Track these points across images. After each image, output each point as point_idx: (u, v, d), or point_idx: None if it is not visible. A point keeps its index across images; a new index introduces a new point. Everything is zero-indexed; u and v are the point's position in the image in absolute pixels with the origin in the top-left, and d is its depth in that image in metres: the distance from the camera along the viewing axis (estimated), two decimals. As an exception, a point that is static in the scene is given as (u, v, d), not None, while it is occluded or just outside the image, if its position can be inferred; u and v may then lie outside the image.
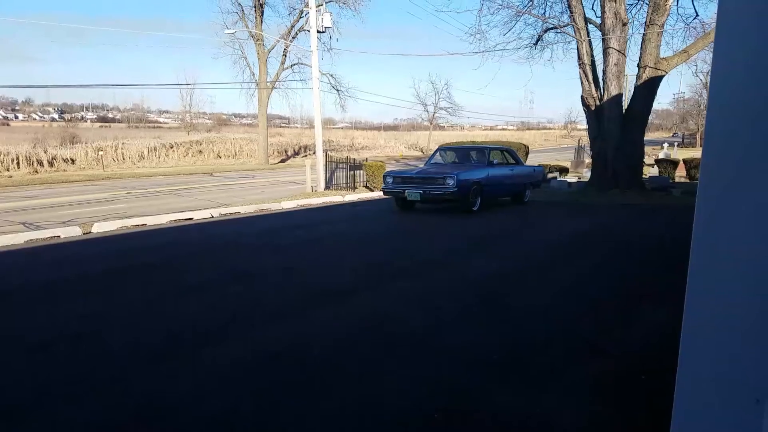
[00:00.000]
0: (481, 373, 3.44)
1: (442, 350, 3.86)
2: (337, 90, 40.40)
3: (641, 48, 16.22)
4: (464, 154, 13.89)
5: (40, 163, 33.32)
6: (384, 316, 4.70)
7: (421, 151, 54.54)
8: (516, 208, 13.02)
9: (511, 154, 14.32)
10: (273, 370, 3.56)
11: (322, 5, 21.41)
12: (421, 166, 13.72)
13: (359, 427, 2.83)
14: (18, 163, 32.31)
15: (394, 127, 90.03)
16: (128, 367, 3.68)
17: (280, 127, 73.22)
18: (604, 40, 16.46)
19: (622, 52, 16.29)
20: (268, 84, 40.43)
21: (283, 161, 44.57)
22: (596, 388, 3.24)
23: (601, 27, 16.54)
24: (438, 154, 14.35)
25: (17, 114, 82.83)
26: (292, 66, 40.91)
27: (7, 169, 31.65)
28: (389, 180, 12.27)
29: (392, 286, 5.73)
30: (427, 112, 59.45)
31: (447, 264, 6.86)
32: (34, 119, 76.41)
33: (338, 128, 74.59)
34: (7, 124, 66.85)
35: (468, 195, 11.63)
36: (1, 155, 32.22)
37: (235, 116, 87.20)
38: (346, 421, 2.89)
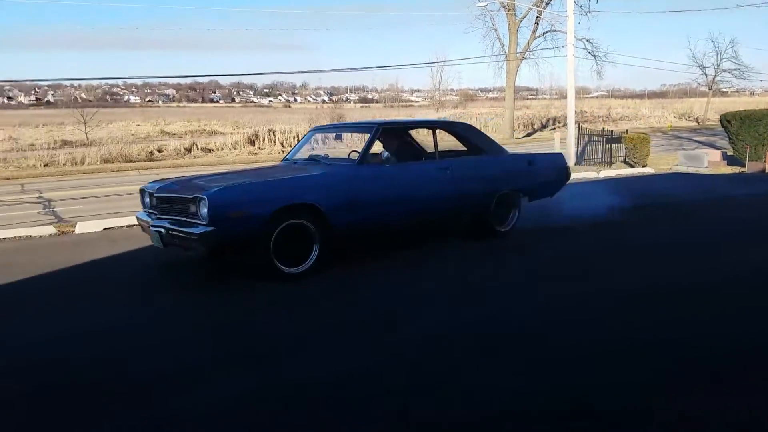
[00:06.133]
0: None
1: None
2: (594, 56, 36.72)
3: None
4: (339, 137, 8.34)
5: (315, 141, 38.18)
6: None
7: (696, 122, 46.50)
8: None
9: (466, 134, 7.43)
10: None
11: (581, -42, 19.14)
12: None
13: None
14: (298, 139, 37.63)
15: (661, 95, 79.08)
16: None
17: (528, 99, 71.07)
18: None
19: None
20: (518, 55, 39.01)
21: (528, 135, 42.82)
22: None
23: None
24: (312, 138, 7.64)
25: (296, 97, 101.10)
26: (544, 34, 38.67)
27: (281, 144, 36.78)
28: (146, 200, 6.02)
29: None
30: (705, 75, 49.83)
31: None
32: (309, 101, 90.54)
33: (593, 97, 68.89)
34: (289, 106, 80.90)
35: (247, 243, 5.06)
36: (285, 134, 37.70)
37: (481, 91, 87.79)
38: None
